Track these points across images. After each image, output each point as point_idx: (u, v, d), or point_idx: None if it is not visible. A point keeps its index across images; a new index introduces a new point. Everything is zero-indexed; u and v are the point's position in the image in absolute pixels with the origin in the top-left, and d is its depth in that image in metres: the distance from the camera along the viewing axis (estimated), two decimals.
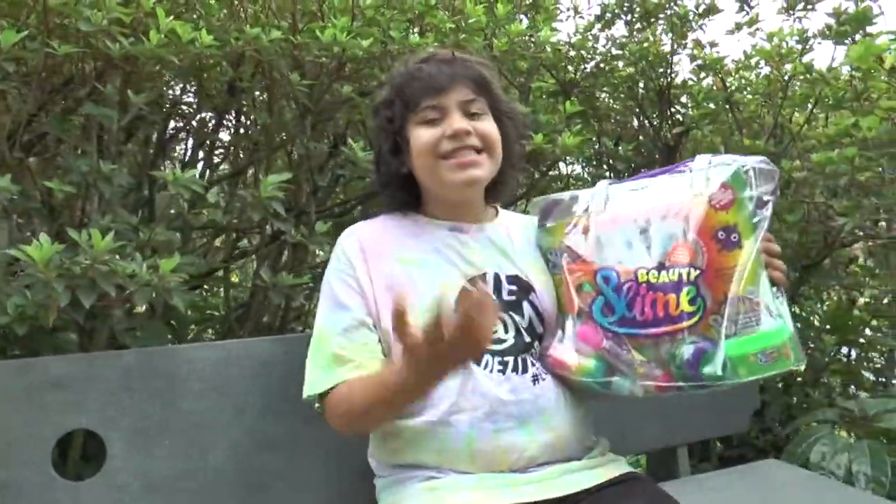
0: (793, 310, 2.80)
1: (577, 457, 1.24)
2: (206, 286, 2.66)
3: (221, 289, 2.44)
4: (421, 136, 1.24)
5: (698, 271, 1.10)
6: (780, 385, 2.71)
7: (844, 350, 2.90)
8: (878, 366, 2.98)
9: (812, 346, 2.75)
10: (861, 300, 3.01)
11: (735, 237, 1.09)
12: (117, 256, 1.37)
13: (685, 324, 1.10)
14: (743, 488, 1.69)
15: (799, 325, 2.93)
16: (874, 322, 2.89)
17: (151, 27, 1.44)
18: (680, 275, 1.11)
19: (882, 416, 2.09)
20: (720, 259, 1.09)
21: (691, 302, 1.10)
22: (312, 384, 1.20)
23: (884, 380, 2.92)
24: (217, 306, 2.61)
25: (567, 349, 1.20)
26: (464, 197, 1.29)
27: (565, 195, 1.31)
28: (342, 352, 1.19)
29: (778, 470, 1.83)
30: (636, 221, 1.17)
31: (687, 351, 1.09)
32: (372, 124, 1.39)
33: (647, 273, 1.14)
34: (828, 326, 2.78)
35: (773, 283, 1.11)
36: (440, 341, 0.94)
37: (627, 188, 1.23)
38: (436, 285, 1.22)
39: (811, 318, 3.02)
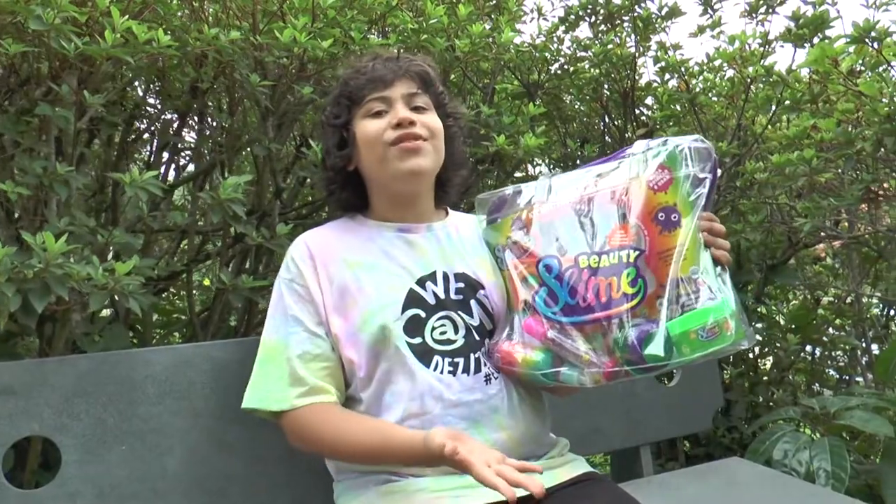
0: (758, 309, 2.86)
1: (535, 456, 1.24)
2: (173, 289, 2.63)
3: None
4: (367, 127, 1.25)
5: (638, 252, 1.11)
6: (746, 384, 2.75)
7: (809, 349, 2.95)
8: (842, 364, 3.03)
9: (777, 345, 2.79)
10: (825, 299, 3.06)
11: (675, 216, 1.09)
12: (72, 259, 1.35)
13: (626, 305, 1.10)
14: (705, 486, 1.71)
15: (764, 324, 2.97)
16: (837, 321, 2.94)
17: (107, 27, 1.42)
18: (620, 257, 1.12)
19: (842, 414, 2.11)
20: (661, 241, 1.09)
21: (632, 283, 1.10)
22: (265, 400, 1.20)
23: (847, 378, 2.97)
24: (184, 310, 2.58)
25: (514, 344, 1.20)
26: (410, 189, 1.29)
27: (509, 189, 1.31)
28: (301, 373, 1.19)
29: (740, 468, 1.85)
30: (578, 209, 1.18)
31: (631, 334, 1.10)
32: (320, 123, 1.40)
33: (588, 258, 1.15)
34: (793, 326, 2.82)
35: (716, 262, 1.11)
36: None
37: (569, 177, 1.24)
38: (384, 288, 1.23)
39: (776, 317, 3.06)
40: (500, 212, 1.30)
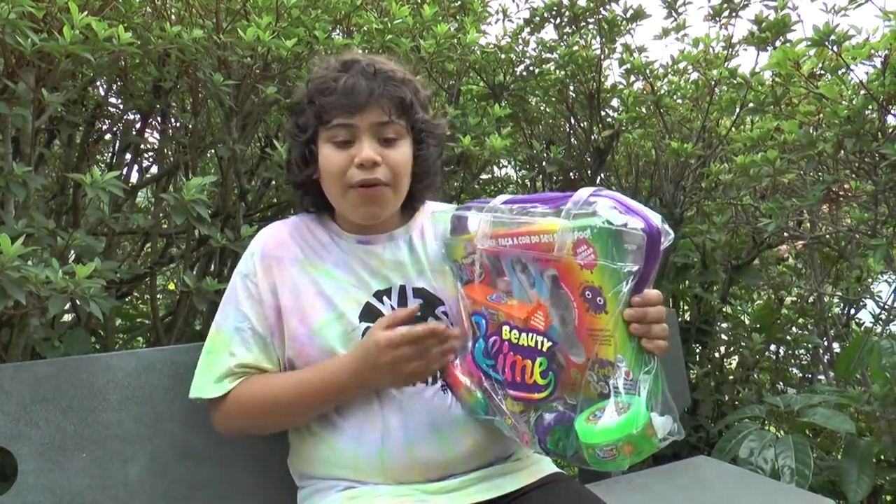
0: (724, 309, 2.89)
1: (501, 459, 1.23)
2: (136, 293, 2.59)
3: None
4: (330, 158, 1.18)
5: (551, 343, 1.05)
6: (712, 384, 2.78)
7: (773, 348, 2.99)
8: (805, 362, 3.08)
9: (742, 344, 2.83)
10: (788, 299, 3.10)
11: (600, 300, 0.99)
12: (30, 262, 1.32)
13: (536, 395, 1.07)
14: (671, 485, 1.72)
15: (729, 323, 3.01)
16: (801, 320, 2.99)
17: (66, 23, 1.38)
18: (537, 341, 1.06)
19: (806, 411, 2.15)
20: (589, 319, 1.01)
21: (543, 375, 1.06)
22: (202, 388, 1.20)
23: (810, 376, 3.02)
24: (148, 314, 2.54)
25: (464, 372, 1.18)
26: (367, 223, 1.25)
27: (468, 210, 1.19)
28: (238, 370, 1.19)
29: (707, 466, 1.87)
30: (517, 258, 1.09)
31: (548, 416, 1.07)
32: (286, 125, 1.33)
33: (510, 331, 1.10)
34: (757, 325, 2.86)
35: (645, 352, 1.00)
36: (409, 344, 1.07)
37: (514, 214, 1.11)
38: (341, 297, 1.20)
39: (741, 316, 3.10)
40: (457, 229, 1.21)
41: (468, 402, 1.17)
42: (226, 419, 1.21)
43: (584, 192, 1.04)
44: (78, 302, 1.38)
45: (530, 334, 1.07)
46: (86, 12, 1.41)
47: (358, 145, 1.16)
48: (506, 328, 1.10)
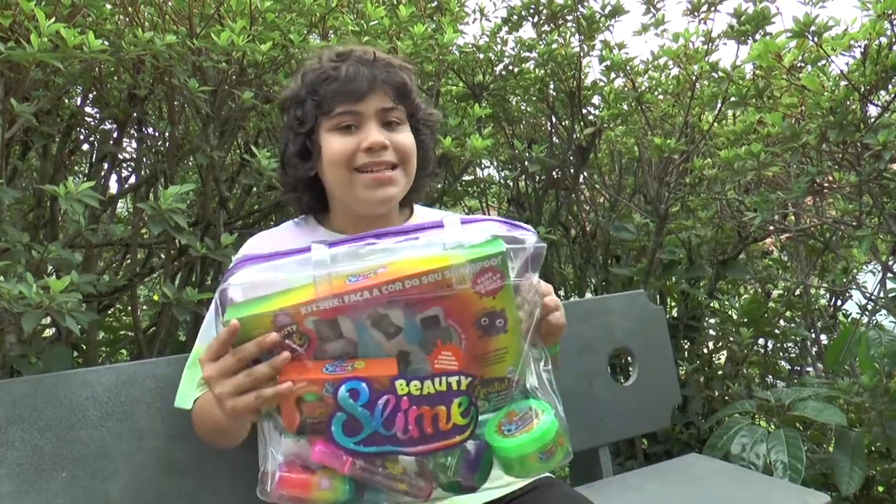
0: (711, 305, 2.89)
1: None
2: (119, 305, 2.55)
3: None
4: (334, 145, 1.16)
5: (470, 378, 0.94)
6: (701, 380, 2.77)
7: (761, 342, 2.99)
8: (793, 355, 3.08)
9: (731, 339, 2.82)
10: (775, 293, 3.10)
11: (500, 322, 0.93)
12: (2, 278, 1.28)
13: (457, 438, 0.96)
14: (665, 484, 1.70)
15: (717, 319, 3.00)
16: (788, 313, 2.98)
17: (33, 31, 1.35)
18: (449, 384, 0.94)
19: (796, 405, 2.14)
20: (482, 344, 0.93)
21: (464, 414, 0.95)
22: (184, 400, 1.20)
23: (798, 368, 3.02)
24: (131, 326, 2.50)
25: (299, 472, 0.96)
26: (376, 213, 1.22)
27: (242, 266, 0.96)
28: None
29: (699, 463, 1.85)
30: (373, 311, 0.90)
31: (464, 458, 0.98)
32: (282, 124, 1.28)
33: (408, 384, 0.93)
34: (745, 320, 2.86)
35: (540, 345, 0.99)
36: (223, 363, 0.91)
37: (363, 259, 0.92)
38: None
39: (729, 311, 3.09)
40: (253, 287, 0.94)
41: (328, 501, 0.97)
42: (196, 429, 1.21)
43: (452, 221, 0.95)
44: (47, 316, 1.34)
45: (439, 379, 0.94)
46: (53, 18, 1.37)
47: (365, 130, 1.16)
48: (400, 382, 0.93)
